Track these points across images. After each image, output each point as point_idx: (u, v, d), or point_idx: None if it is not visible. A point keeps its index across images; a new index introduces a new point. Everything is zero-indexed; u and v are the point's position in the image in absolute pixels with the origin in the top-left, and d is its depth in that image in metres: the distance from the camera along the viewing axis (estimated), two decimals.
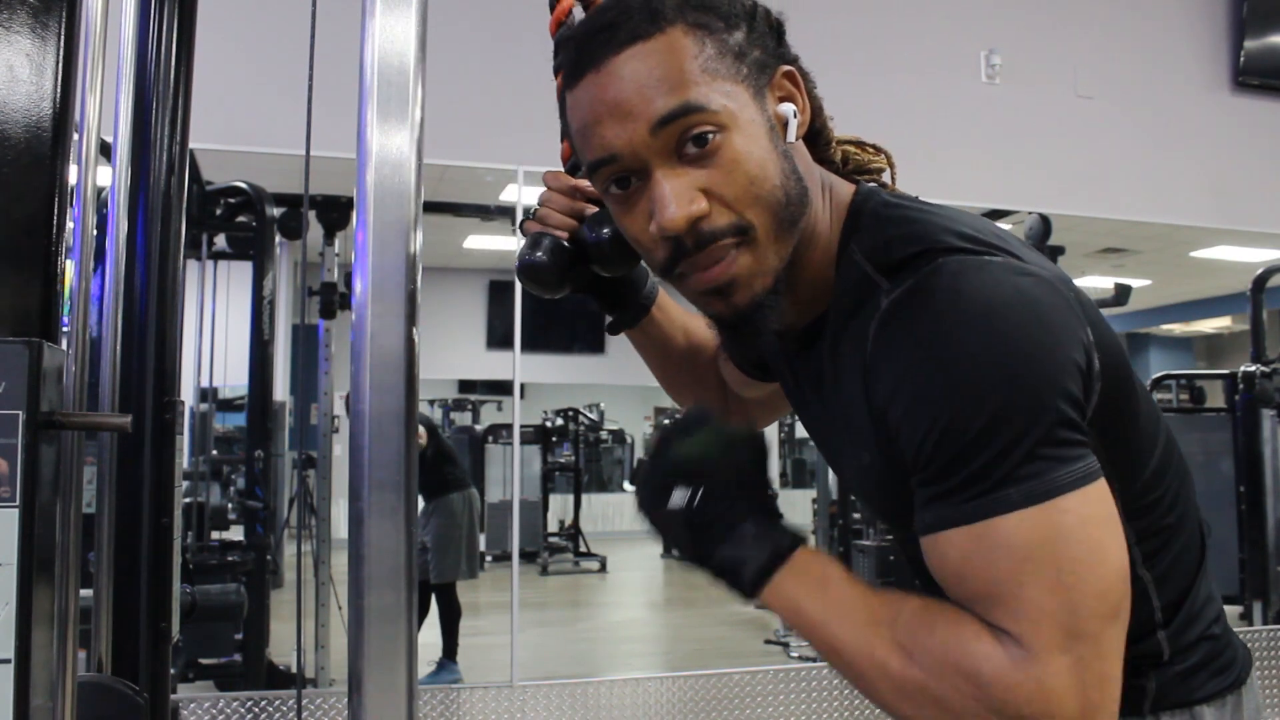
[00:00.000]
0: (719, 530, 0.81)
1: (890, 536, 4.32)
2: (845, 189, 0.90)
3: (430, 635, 4.64)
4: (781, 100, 0.84)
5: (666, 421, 0.87)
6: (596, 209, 1.01)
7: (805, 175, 0.84)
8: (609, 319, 1.14)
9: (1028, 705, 0.69)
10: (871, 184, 0.91)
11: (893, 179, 0.97)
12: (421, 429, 4.98)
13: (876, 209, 0.86)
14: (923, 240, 0.80)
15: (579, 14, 1.02)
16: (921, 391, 0.74)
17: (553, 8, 1.03)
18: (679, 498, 0.82)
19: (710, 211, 0.79)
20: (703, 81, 0.78)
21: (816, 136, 0.91)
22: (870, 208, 0.86)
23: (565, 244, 1.01)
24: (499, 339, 7.94)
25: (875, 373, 0.79)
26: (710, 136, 0.78)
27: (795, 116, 0.83)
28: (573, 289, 1.05)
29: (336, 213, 4.07)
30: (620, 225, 0.86)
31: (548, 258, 1.00)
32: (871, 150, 0.96)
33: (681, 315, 1.18)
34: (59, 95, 0.69)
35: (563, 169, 1.06)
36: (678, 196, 0.78)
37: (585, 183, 1.03)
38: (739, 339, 0.87)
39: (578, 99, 0.82)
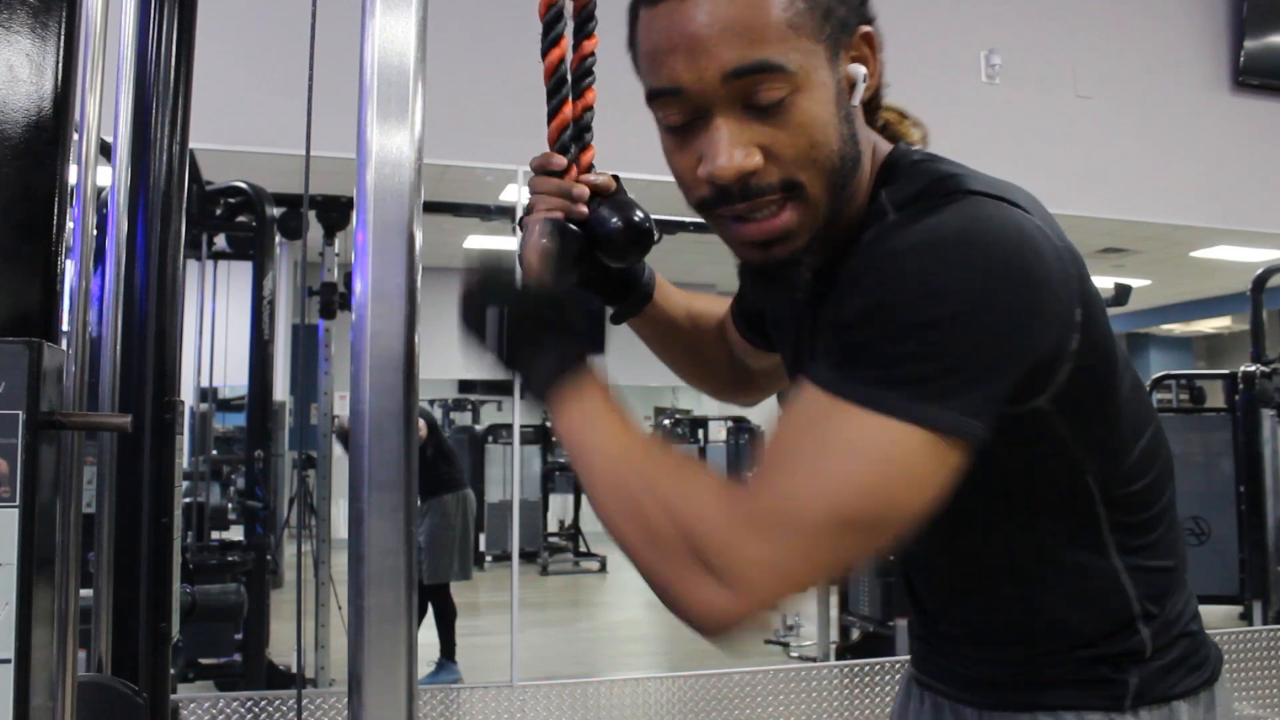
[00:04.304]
0: (527, 341, 0.83)
1: None
2: (885, 146, 0.88)
3: (428, 635, 4.64)
4: (854, 61, 0.81)
5: (474, 261, 0.87)
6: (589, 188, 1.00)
7: (860, 138, 0.83)
8: (611, 311, 1.13)
9: (718, 555, 0.69)
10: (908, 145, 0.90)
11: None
12: (422, 423, 4.95)
13: (913, 163, 0.84)
14: (951, 187, 0.78)
15: None
16: (874, 282, 0.72)
17: None
18: (494, 315, 0.83)
19: (763, 167, 0.77)
20: (787, 37, 0.75)
21: (870, 100, 0.88)
22: (906, 163, 0.85)
23: (571, 228, 0.99)
24: None
25: (846, 282, 0.77)
26: (782, 95, 0.75)
27: (864, 80, 0.81)
28: (578, 281, 1.04)
29: (336, 213, 4.06)
30: (667, 158, 0.84)
31: (554, 243, 0.97)
32: (911, 122, 0.94)
33: (683, 297, 1.17)
34: (59, 95, 0.69)
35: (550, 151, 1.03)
36: (733, 148, 0.76)
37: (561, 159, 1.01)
38: (766, 288, 0.86)
39: (654, 20, 0.78)
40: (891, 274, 0.72)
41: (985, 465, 0.76)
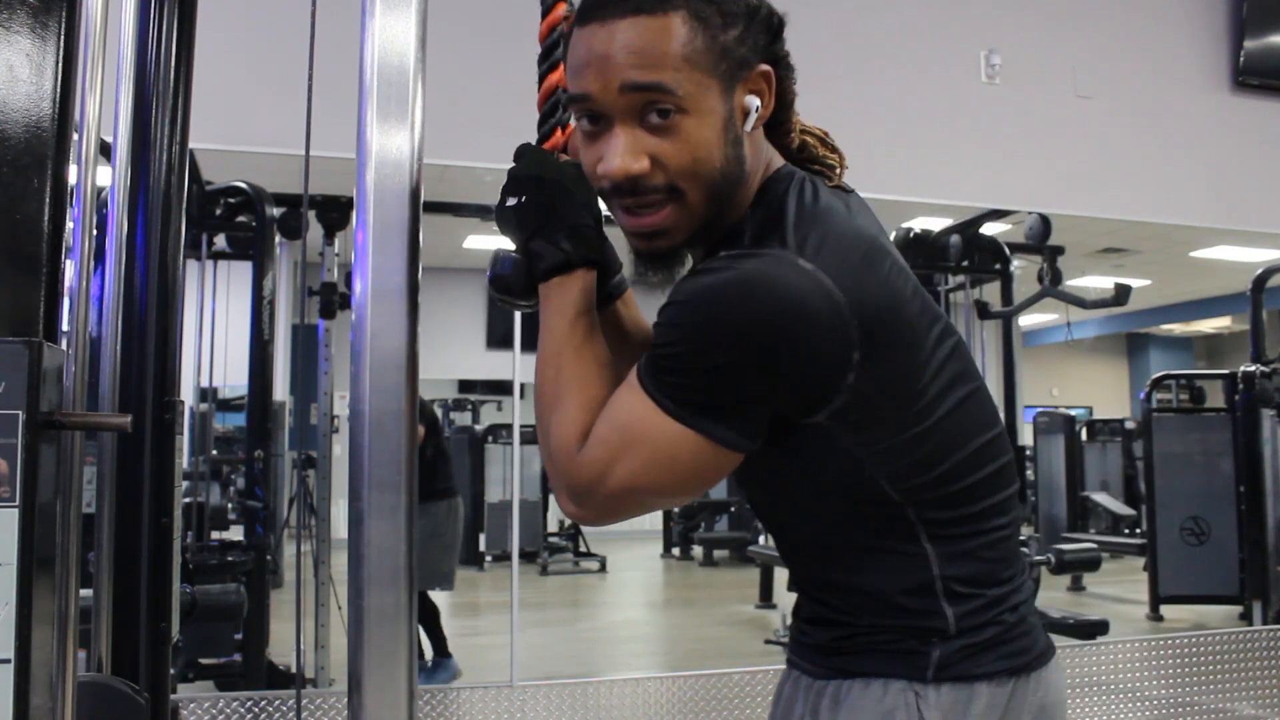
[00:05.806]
0: (535, 229, 0.99)
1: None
2: (777, 162, 1.00)
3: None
4: (750, 93, 0.94)
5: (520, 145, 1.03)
6: None
7: (751, 158, 0.96)
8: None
9: (565, 483, 0.94)
10: (798, 171, 0.99)
11: (839, 177, 1.04)
12: (420, 428, 4.92)
13: (781, 193, 0.96)
14: (770, 242, 0.91)
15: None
16: (675, 314, 0.91)
17: (545, 14, 1.03)
18: (514, 200, 0.99)
19: (650, 171, 0.91)
20: (680, 68, 0.89)
21: (779, 126, 1.02)
22: (777, 190, 0.97)
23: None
24: (499, 339, 7.92)
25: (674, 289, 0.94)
26: (670, 114, 0.90)
27: (756, 111, 0.94)
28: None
29: (336, 213, 4.06)
30: (580, 154, 0.98)
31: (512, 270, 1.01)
32: (830, 148, 1.06)
33: (642, 317, 1.23)
34: (59, 95, 0.70)
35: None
36: (624, 151, 0.91)
37: None
38: (649, 274, 1.03)
39: (579, 39, 0.92)
40: (687, 314, 0.90)
41: (799, 465, 0.97)
